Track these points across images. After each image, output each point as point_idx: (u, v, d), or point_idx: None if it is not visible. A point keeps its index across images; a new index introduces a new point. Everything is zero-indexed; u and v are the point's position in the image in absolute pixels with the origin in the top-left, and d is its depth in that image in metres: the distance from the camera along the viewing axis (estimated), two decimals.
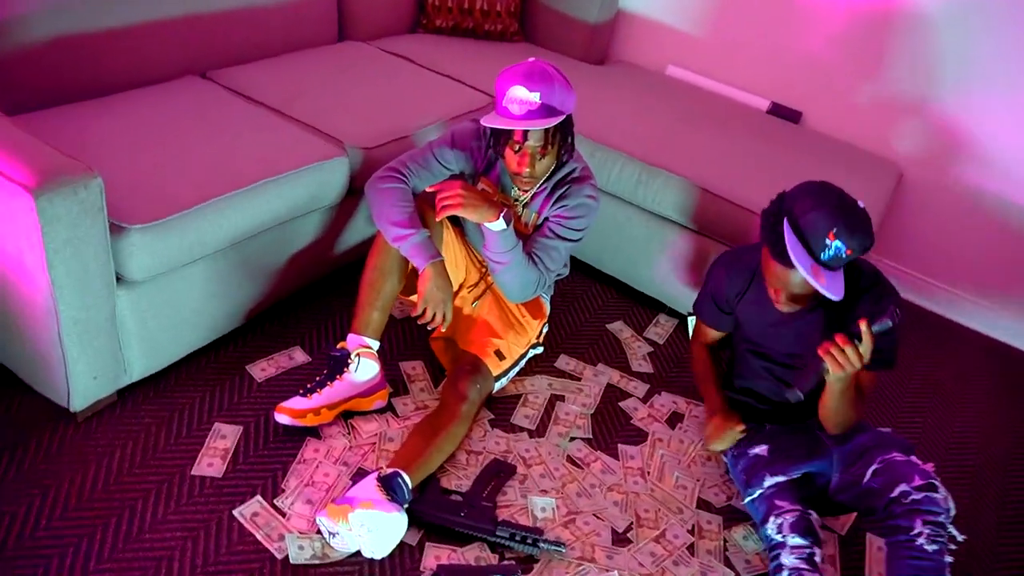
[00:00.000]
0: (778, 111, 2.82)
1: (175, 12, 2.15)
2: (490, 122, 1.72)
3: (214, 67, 2.29)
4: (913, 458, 1.61)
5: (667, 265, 2.36)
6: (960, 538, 1.52)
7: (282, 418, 1.74)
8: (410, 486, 1.60)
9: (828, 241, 1.51)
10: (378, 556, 1.52)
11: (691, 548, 1.72)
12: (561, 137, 1.77)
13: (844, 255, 1.52)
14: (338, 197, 2.02)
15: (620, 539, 1.70)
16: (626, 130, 2.43)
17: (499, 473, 1.78)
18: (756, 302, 1.77)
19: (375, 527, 1.48)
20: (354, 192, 2.08)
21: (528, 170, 1.75)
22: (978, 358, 2.62)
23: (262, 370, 1.94)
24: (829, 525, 1.83)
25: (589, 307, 2.41)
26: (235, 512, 1.59)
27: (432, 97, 2.39)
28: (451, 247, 1.97)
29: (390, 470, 1.60)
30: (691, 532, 1.75)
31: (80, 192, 1.45)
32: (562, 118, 1.72)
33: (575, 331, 2.29)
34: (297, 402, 1.76)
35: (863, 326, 1.48)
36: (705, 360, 1.96)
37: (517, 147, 1.74)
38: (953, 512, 1.52)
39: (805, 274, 1.50)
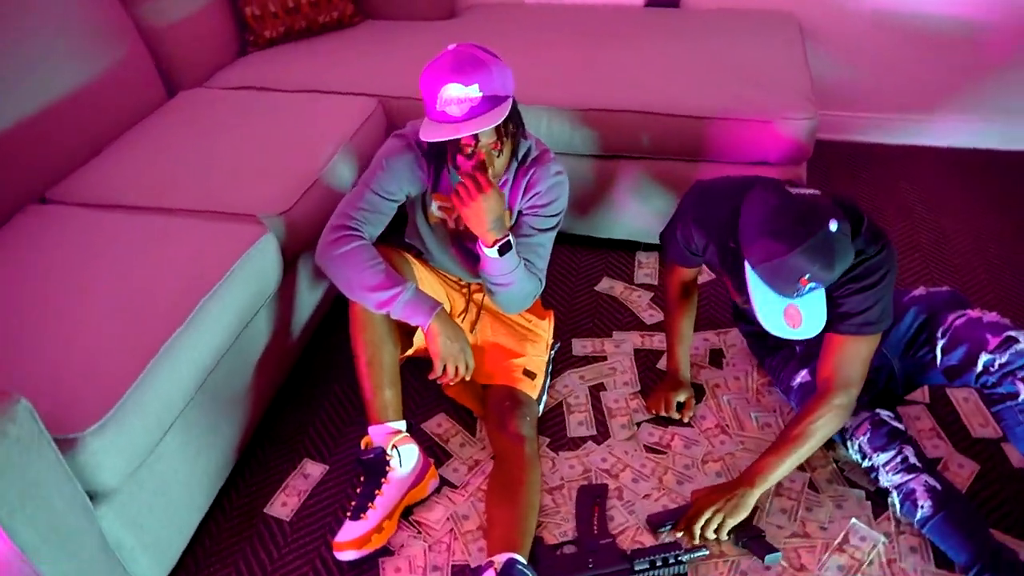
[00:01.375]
0: (655, 0, 2.65)
1: None
2: (432, 136, 1.46)
3: (50, 184, 1.86)
4: (971, 313, 1.50)
5: (625, 201, 2.19)
6: None
7: (346, 555, 1.48)
8: (526, 563, 1.40)
9: (800, 286, 1.33)
10: None
11: (811, 485, 1.61)
12: (513, 122, 1.53)
13: (821, 288, 1.36)
14: (279, 279, 1.70)
15: None
16: (529, 78, 2.15)
17: (595, 499, 1.59)
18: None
19: None
20: (287, 266, 1.75)
21: (489, 171, 1.51)
22: (935, 171, 2.63)
23: (283, 505, 1.64)
24: (912, 399, 1.77)
25: (567, 277, 2.21)
26: None
27: (315, 122, 2.06)
28: (426, 282, 1.71)
29: (503, 559, 1.38)
30: (802, 469, 1.64)
31: (10, 430, 1.09)
32: (509, 103, 1.48)
33: (569, 307, 2.10)
34: (352, 529, 1.49)
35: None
36: (676, 305, 1.77)
37: (470, 151, 1.49)
38: None
39: (778, 334, 1.38)
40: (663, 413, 1.75)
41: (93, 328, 1.41)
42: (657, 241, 2.19)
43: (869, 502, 1.57)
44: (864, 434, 1.49)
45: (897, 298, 1.58)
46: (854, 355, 1.46)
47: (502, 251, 1.54)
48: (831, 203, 1.34)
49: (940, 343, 1.50)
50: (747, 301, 1.40)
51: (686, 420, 1.75)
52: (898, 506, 1.47)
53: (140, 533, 1.38)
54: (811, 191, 1.36)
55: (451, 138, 1.45)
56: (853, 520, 1.54)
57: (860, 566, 1.46)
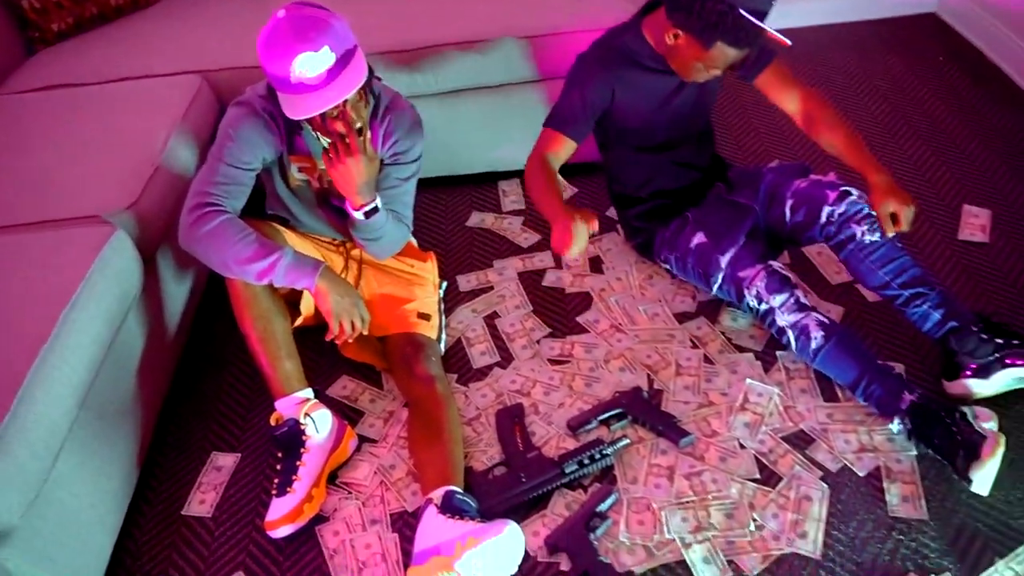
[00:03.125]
0: None
1: None
2: (301, 112, 1.41)
3: None
4: (814, 176, 1.70)
5: (477, 134, 2.21)
6: None
7: (280, 531, 1.45)
8: (463, 491, 1.43)
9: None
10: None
11: (706, 359, 1.73)
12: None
13: None
14: (141, 277, 1.60)
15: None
16: (353, 28, 2.12)
17: (514, 419, 1.63)
18: (640, 86, 1.69)
19: (492, 556, 1.28)
20: (147, 262, 1.65)
21: (360, 125, 1.49)
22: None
23: (201, 503, 1.58)
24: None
25: (437, 219, 2.21)
26: None
27: (137, 110, 1.92)
28: (297, 247, 1.65)
29: (440, 493, 1.40)
30: (695, 346, 1.75)
31: None
32: (361, 54, 1.45)
33: (446, 247, 2.10)
34: (281, 505, 1.46)
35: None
36: (546, 171, 1.68)
37: (337, 113, 1.45)
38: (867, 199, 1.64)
39: (782, 38, 1.47)
40: (573, 247, 1.47)
41: None
42: (518, 168, 2.26)
43: (759, 362, 1.71)
44: (761, 280, 1.61)
45: (755, 171, 1.80)
46: (787, 70, 1.73)
47: (369, 215, 1.53)
48: None
49: (788, 203, 1.70)
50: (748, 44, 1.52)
51: (594, 230, 1.50)
52: (794, 343, 1.59)
53: (52, 567, 1.29)
54: None
55: (321, 110, 1.39)
56: (748, 380, 1.66)
57: (762, 419, 1.59)
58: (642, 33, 1.66)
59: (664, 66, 1.66)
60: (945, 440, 1.41)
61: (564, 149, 1.72)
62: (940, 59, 2.58)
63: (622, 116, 1.73)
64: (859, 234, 1.60)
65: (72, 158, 1.76)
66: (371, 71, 1.55)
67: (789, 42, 1.48)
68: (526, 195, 2.24)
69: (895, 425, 1.50)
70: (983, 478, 1.38)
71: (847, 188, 1.64)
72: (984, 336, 1.52)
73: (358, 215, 1.54)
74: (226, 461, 1.64)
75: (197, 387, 1.81)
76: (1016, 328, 1.60)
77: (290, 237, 1.66)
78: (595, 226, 1.48)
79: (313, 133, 1.55)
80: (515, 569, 1.33)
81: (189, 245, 1.48)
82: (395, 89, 1.71)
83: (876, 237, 1.60)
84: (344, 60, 1.40)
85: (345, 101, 1.42)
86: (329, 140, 1.50)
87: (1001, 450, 1.37)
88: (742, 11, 1.44)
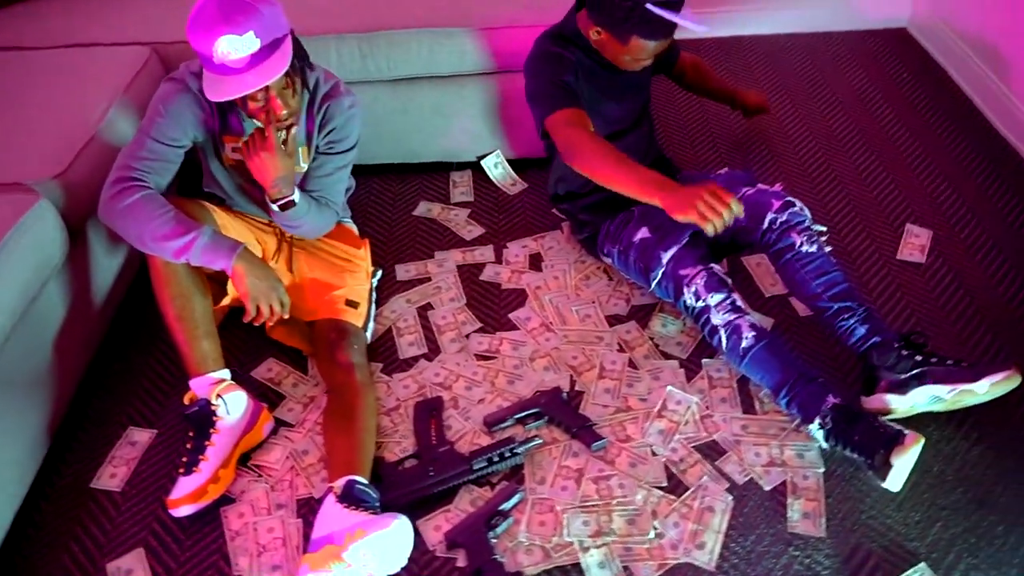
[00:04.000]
0: None
1: None
2: (219, 95, 1.42)
3: None
4: (760, 186, 1.74)
5: (430, 123, 2.19)
6: (824, 228, 1.72)
7: (182, 510, 1.45)
8: (367, 482, 1.43)
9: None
10: (396, 570, 1.35)
11: (631, 363, 1.73)
12: (298, 56, 1.49)
13: None
14: (64, 249, 1.59)
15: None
16: (307, 8, 2.09)
17: (431, 412, 1.63)
18: (592, 73, 1.74)
19: (379, 548, 1.29)
20: (75, 233, 1.64)
21: (285, 112, 1.49)
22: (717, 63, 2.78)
23: (112, 476, 1.57)
24: None
25: (382, 206, 2.20)
26: None
27: (81, 78, 1.90)
28: (231, 228, 1.66)
29: (342, 482, 1.40)
30: (621, 350, 1.75)
31: None
32: (290, 42, 1.44)
33: (390, 235, 2.10)
34: (186, 484, 1.46)
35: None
36: (602, 140, 1.64)
37: (261, 99, 1.45)
38: (808, 212, 1.69)
39: (699, 28, 1.54)
40: (732, 207, 1.47)
41: None
42: (470, 159, 2.26)
43: (683, 369, 1.71)
44: (701, 279, 1.63)
45: (703, 176, 1.83)
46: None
47: (285, 207, 1.54)
48: None
49: None
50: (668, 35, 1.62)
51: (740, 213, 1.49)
52: (725, 341, 1.60)
53: None
54: None
55: (240, 94, 1.39)
56: (669, 387, 1.66)
57: (677, 427, 1.59)
58: (578, 27, 1.72)
59: (603, 57, 1.72)
60: (867, 435, 1.43)
61: (585, 119, 1.68)
62: (904, 75, 2.58)
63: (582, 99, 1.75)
64: (798, 243, 1.63)
65: (4, 123, 1.74)
66: (307, 60, 1.54)
67: (706, 28, 1.54)
68: (476, 187, 2.23)
69: (815, 426, 1.50)
70: (902, 466, 1.39)
71: (791, 199, 1.68)
72: (904, 352, 1.54)
73: (273, 207, 1.55)
74: (141, 436, 1.64)
75: (124, 362, 1.81)
76: (935, 349, 1.60)
77: (225, 217, 1.65)
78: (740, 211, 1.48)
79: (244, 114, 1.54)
80: (404, 562, 1.33)
81: (107, 218, 1.48)
82: (338, 76, 1.69)
83: (814, 248, 1.63)
84: (271, 47, 1.40)
85: (269, 88, 1.42)
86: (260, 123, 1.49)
87: (921, 444, 1.39)
88: (649, 5, 1.50)
